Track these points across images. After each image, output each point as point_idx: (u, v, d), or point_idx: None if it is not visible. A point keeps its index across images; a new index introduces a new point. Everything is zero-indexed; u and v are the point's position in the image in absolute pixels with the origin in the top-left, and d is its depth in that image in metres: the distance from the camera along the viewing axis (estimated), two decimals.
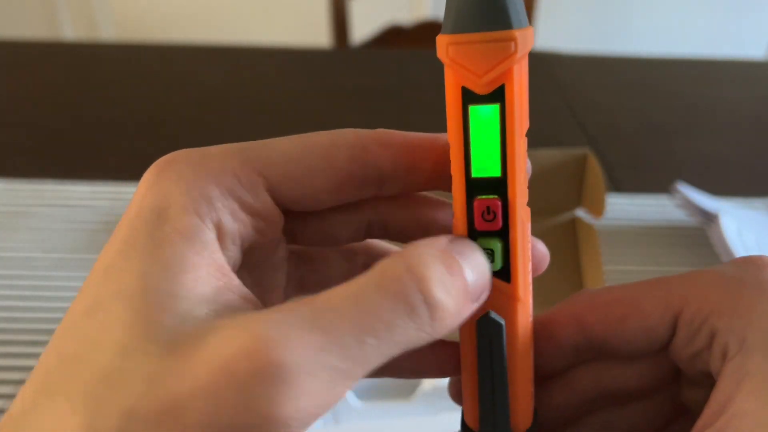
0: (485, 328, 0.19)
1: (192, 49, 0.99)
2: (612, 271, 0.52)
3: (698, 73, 0.97)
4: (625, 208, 0.60)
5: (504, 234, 0.19)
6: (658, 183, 0.63)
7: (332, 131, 0.20)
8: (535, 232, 0.19)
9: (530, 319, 0.20)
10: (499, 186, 0.18)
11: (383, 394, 0.42)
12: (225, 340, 0.15)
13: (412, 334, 0.16)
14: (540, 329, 0.21)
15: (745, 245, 0.49)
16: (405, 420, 0.39)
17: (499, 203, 0.18)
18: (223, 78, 0.90)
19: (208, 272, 0.17)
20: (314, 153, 0.19)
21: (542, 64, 0.96)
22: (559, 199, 0.53)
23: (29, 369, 0.41)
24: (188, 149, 0.19)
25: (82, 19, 1.99)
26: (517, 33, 0.17)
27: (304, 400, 0.15)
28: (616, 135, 0.77)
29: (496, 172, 0.18)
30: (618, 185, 0.65)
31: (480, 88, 0.18)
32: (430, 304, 0.16)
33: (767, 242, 0.51)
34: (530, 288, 0.20)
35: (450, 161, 0.19)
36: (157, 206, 0.17)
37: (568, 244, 0.52)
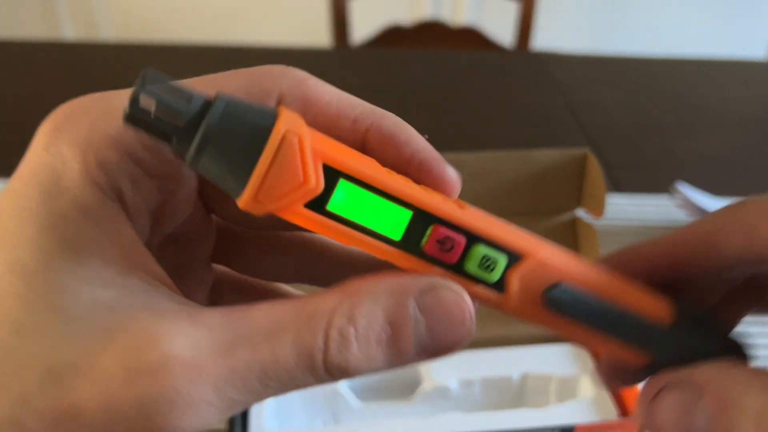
0: (553, 307, 0.17)
1: (192, 49, 0.99)
2: None
3: (698, 73, 0.97)
4: (625, 208, 0.60)
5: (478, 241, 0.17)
6: (658, 183, 0.63)
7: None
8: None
9: (564, 257, 0.18)
10: (424, 220, 0.16)
11: (383, 394, 0.42)
12: (132, 348, 0.14)
13: (311, 382, 0.16)
14: (703, 239, 0.19)
15: None
16: (405, 420, 0.39)
17: (453, 234, 0.17)
18: None
19: (113, 251, 0.15)
20: None
21: (542, 64, 0.96)
22: (559, 199, 0.53)
23: None
24: (88, 97, 0.17)
25: (82, 19, 1.99)
26: (280, 121, 0.15)
27: (198, 423, 0.15)
28: (616, 135, 0.77)
29: (404, 222, 0.16)
30: (618, 185, 0.65)
31: (315, 190, 0.15)
32: (327, 364, 0.16)
33: None
34: (530, 237, 0.18)
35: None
36: (53, 171, 0.16)
37: (568, 244, 0.51)
